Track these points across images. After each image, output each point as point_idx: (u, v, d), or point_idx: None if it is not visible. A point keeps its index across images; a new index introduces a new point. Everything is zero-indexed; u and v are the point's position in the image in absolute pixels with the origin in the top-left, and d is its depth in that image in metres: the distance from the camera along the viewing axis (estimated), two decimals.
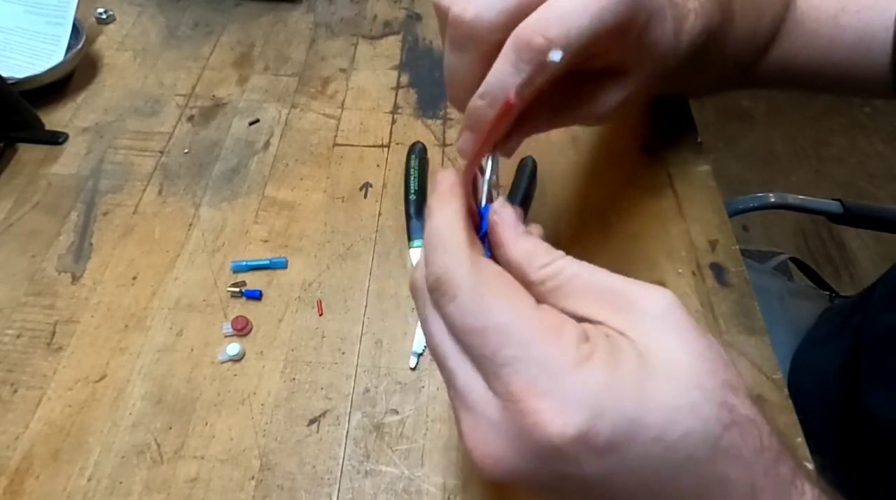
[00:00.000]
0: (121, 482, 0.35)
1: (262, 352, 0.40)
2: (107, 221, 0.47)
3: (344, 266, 0.45)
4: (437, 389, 0.39)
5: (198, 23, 0.64)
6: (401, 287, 0.44)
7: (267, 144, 0.53)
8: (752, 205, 0.79)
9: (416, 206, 0.47)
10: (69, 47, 0.56)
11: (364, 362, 0.40)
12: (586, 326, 0.21)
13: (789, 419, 0.38)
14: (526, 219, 0.26)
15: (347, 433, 0.37)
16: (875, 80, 0.44)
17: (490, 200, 0.27)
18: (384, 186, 0.50)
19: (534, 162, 0.49)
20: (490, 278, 0.21)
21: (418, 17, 0.66)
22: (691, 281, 0.44)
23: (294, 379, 0.39)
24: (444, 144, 0.53)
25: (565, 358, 0.19)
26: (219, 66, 0.60)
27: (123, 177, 0.50)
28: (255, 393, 0.39)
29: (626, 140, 0.53)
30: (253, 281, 0.44)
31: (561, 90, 0.31)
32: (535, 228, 0.25)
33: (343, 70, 0.60)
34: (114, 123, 0.54)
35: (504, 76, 0.26)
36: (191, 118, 0.55)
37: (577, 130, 0.54)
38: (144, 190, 0.49)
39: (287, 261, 0.45)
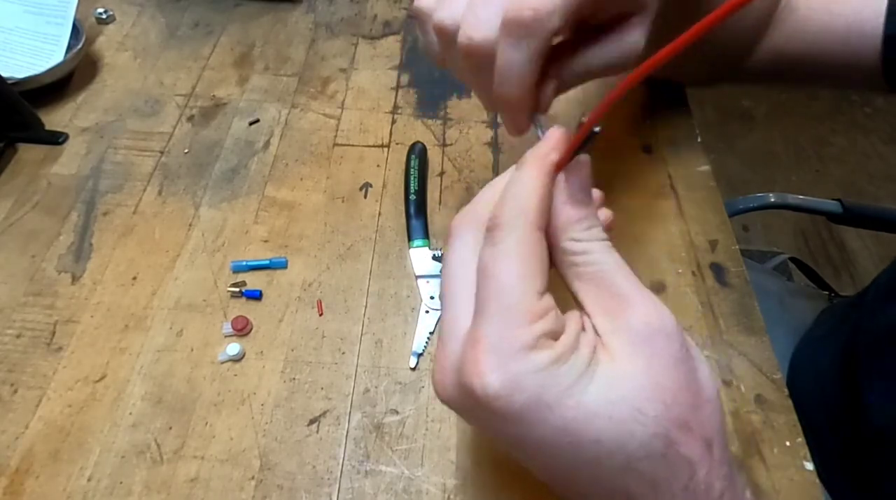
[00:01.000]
0: (121, 482, 0.35)
1: (262, 352, 0.40)
2: (107, 222, 0.47)
3: (344, 266, 0.45)
4: None
5: (198, 23, 0.64)
6: (401, 287, 0.44)
7: (267, 144, 0.53)
8: (752, 205, 0.79)
9: (416, 206, 0.47)
10: (69, 47, 0.56)
11: (364, 362, 0.40)
12: (573, 314, 0.24)
13: (789, 418, 0.38)
14: None
15: (347, 433, 0.37)
16: (866, 70, 0.45)
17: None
18: (384, 186, 0.50)
19: None
20: (531, 251, 0.23)
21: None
22: (691, 281, 0.44)
23: (294, 379, 0.39)
24: (444, 144, 0.53)
25: (527, 339, 0.22)
26: (219, 67, 0.60)
27: (123, 177, 0.50)
28: (255, 393, 0.39)
29: (627, 140, 0.53)
30: (253, 281, 0.44)
31: (588, 41, 0.31)
32: (585, 160, 0.25)
33: (343, 70, 0.60)
34: (114, 123, 0.54)
35: (510, 59, 0.27)
36: (191, 118, 0.55)
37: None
38: (144, 190, 0.49)
39: (287, 261, 0.45)
